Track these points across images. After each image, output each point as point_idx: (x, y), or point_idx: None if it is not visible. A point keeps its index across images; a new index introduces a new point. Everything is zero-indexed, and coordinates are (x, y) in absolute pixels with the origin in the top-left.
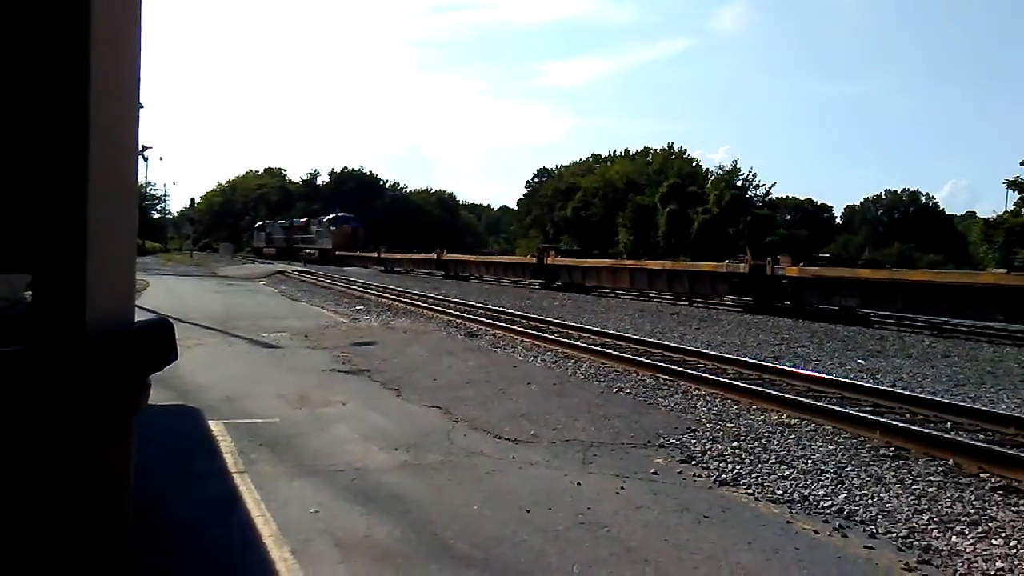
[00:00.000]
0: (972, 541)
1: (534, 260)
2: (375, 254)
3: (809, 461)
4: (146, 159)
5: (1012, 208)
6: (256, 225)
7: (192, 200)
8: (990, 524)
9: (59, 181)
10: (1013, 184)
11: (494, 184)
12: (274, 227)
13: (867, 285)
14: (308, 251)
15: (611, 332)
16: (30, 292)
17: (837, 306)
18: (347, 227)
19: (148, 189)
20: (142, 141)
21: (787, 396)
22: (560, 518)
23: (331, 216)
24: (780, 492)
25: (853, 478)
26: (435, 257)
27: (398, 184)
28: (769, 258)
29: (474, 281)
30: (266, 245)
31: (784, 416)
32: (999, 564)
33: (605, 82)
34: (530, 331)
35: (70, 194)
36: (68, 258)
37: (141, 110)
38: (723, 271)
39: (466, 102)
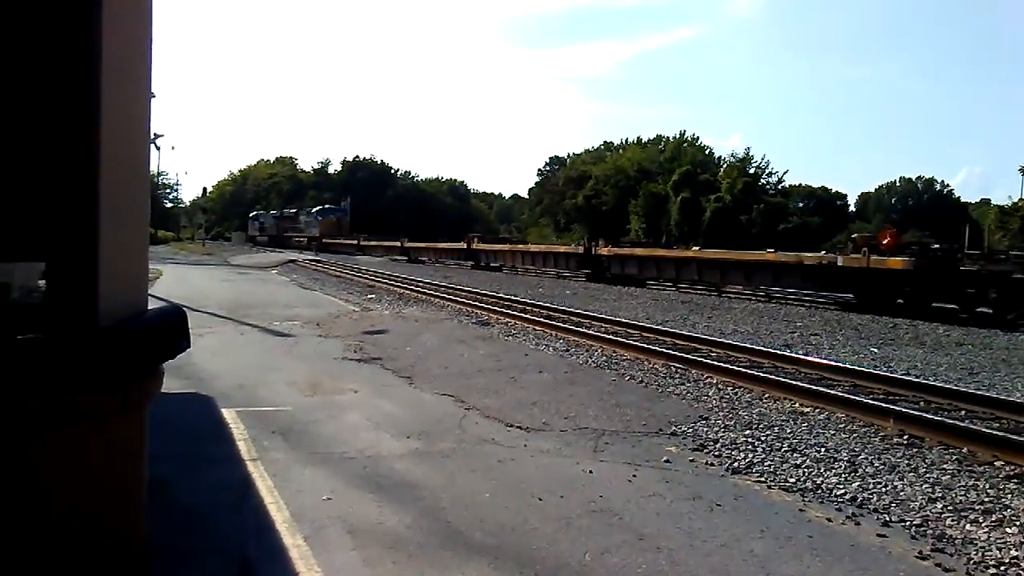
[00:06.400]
0: (986, 529)
1: (465, 246)
2: (355, 241)
3: (822, 449)
4: (158, 148)
5: None
6: (251, 215)
7: (204, 189)
8: (1004, 512)
9: (71, 170)
10: None
11: (506, 172)
12: (267, 217)
13: (640, 259)
14: (297, 239)
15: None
16: (43, 280)
17: (629, 274)
18: (332, 218)
19: (160, 178)
20: (154, 130)
21: (800, 384)
22: (572, 506)
23: (318, 208)
24: (793, 480)
25: (866, 466)
26: (400, 244)
27: (409, 173)
28: (592, 242)
29: (428, 264)
30: (259, 233)
31: (797, 404)
32: (1013, 552)
33: (618, 69)
34: (542, 320)
35: (82, 183)
36: (80, 247)
37: (153, 99)
38: (571, 252)
39: (478, 90)
